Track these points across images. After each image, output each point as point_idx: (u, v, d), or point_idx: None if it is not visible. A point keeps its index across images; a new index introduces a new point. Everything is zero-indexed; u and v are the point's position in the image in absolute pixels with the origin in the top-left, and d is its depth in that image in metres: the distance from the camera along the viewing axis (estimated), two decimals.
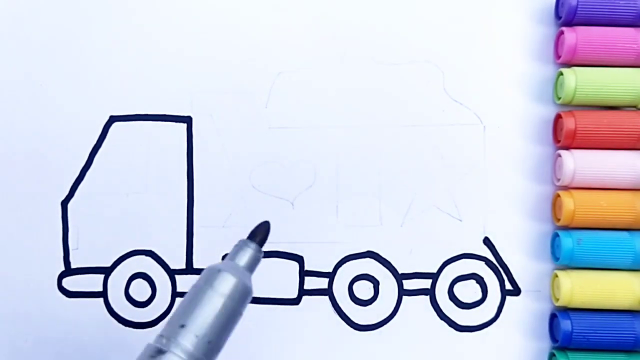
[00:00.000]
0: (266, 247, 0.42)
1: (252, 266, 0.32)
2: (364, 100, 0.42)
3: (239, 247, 0.32)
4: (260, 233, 0.32)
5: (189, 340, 0.29)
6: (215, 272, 0.30)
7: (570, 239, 0.40)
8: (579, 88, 0.40)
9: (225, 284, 0.30)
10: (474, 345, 0.42)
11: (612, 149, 0.40)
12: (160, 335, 0.30)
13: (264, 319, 0.42)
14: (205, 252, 0.42)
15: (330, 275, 0.42)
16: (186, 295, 0.31)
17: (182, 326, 0.29)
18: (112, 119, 0.42)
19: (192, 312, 0.30)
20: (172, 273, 0.42)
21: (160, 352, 0.29)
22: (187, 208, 0.42)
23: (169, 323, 0.30)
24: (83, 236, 0.42)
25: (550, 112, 0.42)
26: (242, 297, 0.31)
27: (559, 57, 0.41)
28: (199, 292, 0.30)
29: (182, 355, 0.29)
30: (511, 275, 0.42)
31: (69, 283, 0.42)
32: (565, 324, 0.40)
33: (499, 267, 0.42)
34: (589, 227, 0.40)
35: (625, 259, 0.40)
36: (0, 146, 0.42)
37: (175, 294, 0.42)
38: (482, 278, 0.42)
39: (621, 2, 0.40)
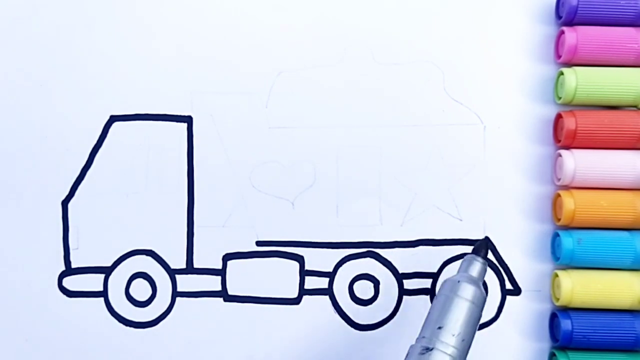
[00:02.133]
0: (266, 247, 0.42)
1: (482, 276, 0.37)
2: (364, 100, 0.42)
3: (469, 261, 0.37)
4: (483, 247, 0.38)
5: (447, 338, 0.34)
6: (456, 283, 0.36)
7: (570, 239, 0.40)
8: (579, 88, 0.40)
9: (468, 292, 0.35)
10: (474, 345, 0.41)
11: (613, 149, 0.40)
12: (422, 337, 0.35)
13: (264, 319, 0.42)
14: (205, 252, 0.42)
15: (331, 275, 0.42)
16: (434, 303, 0.36)
17: (440, 328, 0.35)
18: (112, 119, 0.42)
19: (445, 316, 0.35)
20: (172, 273, 0.42)
21: (428, 349, 0.34)
22: (187, 208, 0.42)
23: (425, 327, 0.35)
24: (83, 236, 0.42)
25: (550, 111, 0.42)
26: (481, 302, 0.36)
27: (559, 56, 0.41)
28: (447, 300, 0.35)
29: (446, 351, 0.34)
30: (511, 275, 0.42)
31: (70, 283, 0.42)
32: (566, 324, 0.40)
33: (499, 267, 0.42)
34: (589, 227, 0.40)
35: (625, 259, 0.40)
36: (1, 146, 0.42)
37: (175, 294, 0.42)
38: None
39: (622, 2, 0.40)
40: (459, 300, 0.35)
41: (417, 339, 0.35)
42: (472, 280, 0.36)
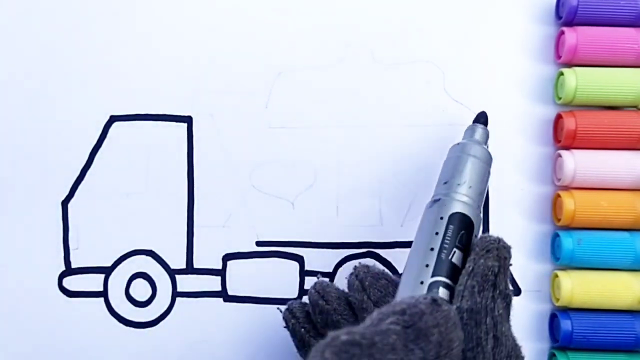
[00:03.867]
0: (266, 248, 0.42)
1: (485, 140, 0.39)
2: (364, 100, 0.42)
3: (472, 128, 0.39)
4: (482, 116, 0.40)
5: (453, 187, 0.36)
6: (462, 145, 0.38)
7: (570, 239, 0.40)
8: (579, 88, 0.40)
9: (474, 150, 0.37)
10: None
11: (613, 149, 0.40)
12: (436, 193, 0.36)
13: (265, 319, 0.42)
14: (205, 252, 0.42)
15: (331, 275, 0.42)
16: (443, 166, 0.38)
17: (446, 182, 0.36)
18: (113, 119, 0.42)
19: (449, 172, 0.37)
20: (172, 273, 0.42)
21: (436, 200, 0.36)
22: (187, 208, 0.42)
23: (436, 187, 0.37)
24: (83, 236, 0.42)
25: (550, 112, 0.42)
26: (488, 160, 0.38)
27: (559, 57, 0.41)
28: (455, 159, 0.37)
29: (454, 197, 0.35)
30: (511, 275, 0.42)
31: (70, 283, 0.42)
32: (566, 324, 0.40)
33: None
34: (589, 227, 0.40)
35: (625, 259, 0.40)
36: (1, 146, 0.42)
37: (175, 294, 0.42)
38: None
39: (622, 2, 0.40)
40: (464, 156, 0.37)
41: (432, 198, 0.36)
42: (477, 142, 0.38)
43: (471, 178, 0.36)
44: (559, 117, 0.41)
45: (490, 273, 0.32)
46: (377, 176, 0.42)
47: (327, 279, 0.38)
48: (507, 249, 0.33)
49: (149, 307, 0.42)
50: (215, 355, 0.42)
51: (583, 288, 0.40)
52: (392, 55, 0.42)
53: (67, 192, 0.42)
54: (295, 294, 0.42)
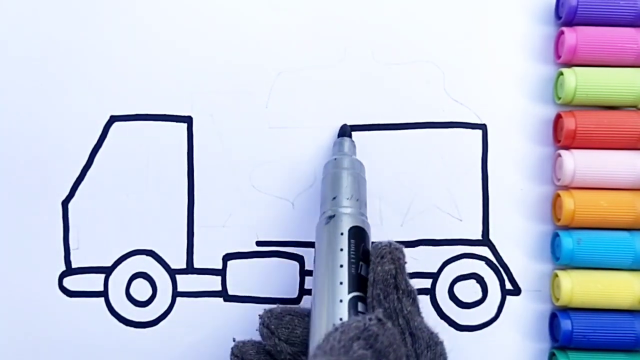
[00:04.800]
0: (266, 247, 0.42)
1: (353, 150, 0.41)
2: (364, 99, 0.42)
3: (339, 142, 0.41)
4: (344, 129, 0.41)
5: (344, 202, 0.37)
6: (333, 160, 0.39)
7: (570, 239, 0.40)
8: (579, 88, 0.40)
9: (346, 163, 0.39)
10: (474, 345, 0.42)
11: (612, 149, 0.40)
12: (322, 212, 0.38)
13: None
14: (206, 252, 0.42)
15: None
16: (322, 184, 0.39)
17: (334, 198, 0.38)
18: (113, 119, 0.42)
19: (334, 188, 0.38)
20: (172, 273, 0.42)
21: (331, 217, 0.37)
22: (187, 208, 0.42)
23: (322, 204, 0.38)
24: (83, 236, 0.42)
25: (550, 112, 0.42)
26: (360, 167, 0.39)
27: (559, 57, 0.41)
28: (334, 175, 0.39)
29: (345, 212, 0.37)
30: (511, 275, 0.42)
31: (70, 283, 0.42)
32: (566, 324, 0.40)
33: (499, 266, 0.42)
34: (589, 227, 0.40)
35: (625, 259, 0.40)
36: (1, 146, 0.42)
37: (175, 294, 0.42)
38: (482, 278, 0.42)
39: (621, 2, 0.40)
40: (341, 171, 0.38)
41: (321, 215, 0.37)
42: (347, 154, 0.40)
43: (354, 190, 0.38)
44: (558, 117, 0.41)
45: (389, 277, 0.34)
46: (377, 176, 0.42)
47: (242, 340, 0.38)
48: (399, 249, 0.35)
49: (149, 307, 0.42)
50: (215, 355, 0.42)
51: (583, 288, 0.40)
52: (392, 55, 0.42)
53: (67, 192, 0.42)
54: (295, 294, 0.42)
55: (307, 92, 0.42)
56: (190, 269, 0.42)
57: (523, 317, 0.42)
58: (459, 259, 0.42)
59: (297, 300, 0.42)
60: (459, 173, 0.42)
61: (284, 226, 0.42)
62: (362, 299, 0.34)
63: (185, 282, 0.42)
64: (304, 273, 0.42)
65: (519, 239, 0.42)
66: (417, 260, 0.42)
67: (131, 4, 0.43)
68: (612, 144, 0.40)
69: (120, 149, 0.42)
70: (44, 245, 0.42)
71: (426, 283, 0.42)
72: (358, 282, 0.34)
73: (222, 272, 0.42)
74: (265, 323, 0.36)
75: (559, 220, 0.41)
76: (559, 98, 0.41)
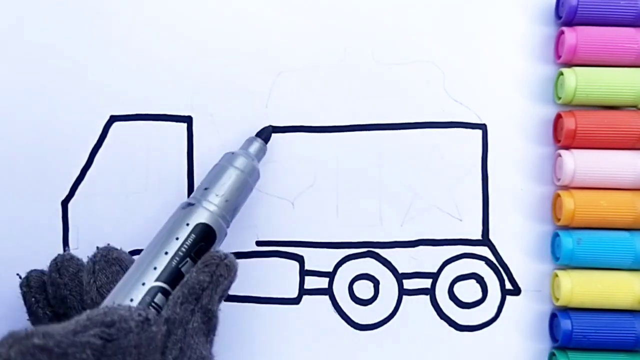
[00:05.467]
0: (266, 247, 0.42)
1: (259, 155, 0.40)
2: (364, 100, 0.42)
3: (249, 141, 0.40)
4: (265, 132, 0.41)
5: (211, 197, 0.37)
6: (232, 155, 0.38)
7: (570, 239, 0.40)
8: (579, 88, 0.40)
9: (240, 162, 0.38)
10: (474, 345, 0.42)
11: (612, 149, 0.40)
12: (190, 197, 0.37)
13: (265, 319, 0.42)
14: None
15: (331, 275, 0.42)
16: (209, 172, 0.38)
17: (206, 189, 0.37)
18: (112, 119, 0.42)
19: (213, 180, 0.37)
20: None
21: (190, 204, 0.36)
22: None
23: (196, 190, 0.38)
24: (83, 236, 0.42)
25: (550, 112, 0.42)
26: (252, 173, 0.38)
27: (559, 57, 0.41)
28: (220, 168, 0.38)
29: (207, 207, 0.36)
30: (511, 275, 0.42)
31: None
32: (566, 324, 0.40)
33: (499, 266, 0.42)
34: (589, 227, 0.40)
35: (625, 259, 0.40)
36: (1, 146, 0.42)
37: None
38: (482, 278, 0.42)
39: (621, 2, 0.40)
40: (230, 168, 0.38)
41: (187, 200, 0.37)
42: (248, 155, 0.39)
43: (230, 191, 0.37)
44: (558, 117, 0.41)
45: (198, 287, 0.34)
46: (377, 176, 0.42)
47: (72, 254, 0.38)
48: (230, 267, 0.35)
49: None
50: (215, 356, 0.42)
51: (583, 288, 0.40)
52: (392, 55, 0.42)
53: (67, 192, 0.42)
54: (295, 294, 0.42)
55: (307, 92, 0.42)
56: None
57: (523, 317, 0.42)
58: (459, 259, 0.42)
59: (297, 300, 0.42)
60: (459, 173, 0.42)
61: (284, 226, 0.42)
62: (166, 293, 0.34)
63: None
64: (303, 273, 0.42)
65: (519, 239, 0.42)
66: (417, 260, 0.42)
67: (131, 4, 0.42)
68: (612, 144, 0.40)
69: (120, 149, 0.42)
70: (43, 245, 0.42)
71: (426, 283, 0.42)
72: (173, 276, 0.34)
73: None
74: (95, 259, 0.36)
75: (559, 220, 0.41)
76: (559, 98, 0.41)
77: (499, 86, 0.42)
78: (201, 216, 0.36)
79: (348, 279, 0.42)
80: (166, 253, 0.35)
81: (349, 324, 0.42)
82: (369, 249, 0.42)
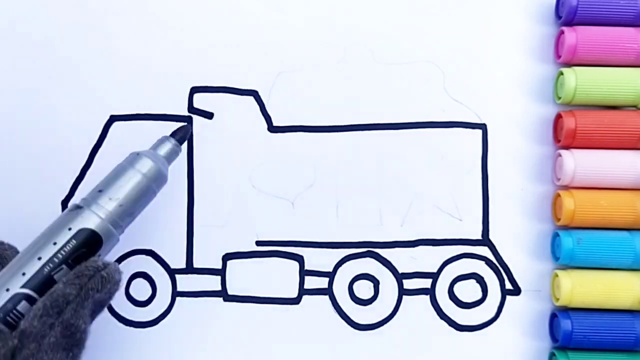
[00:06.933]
0: (266, 247, 0.42)
1: (170, 157, 0.37)
2: (364, 99, 0.42)
3: (161, 140, 0.37)
4: (181, 132, 0.38)
5: (104, 201, 0.34)
6: (136, 155, 0.35)
7: (570, 239, 0.40)
8: (579, 88, 0.40)
9: (144, 165, 0.35)
10: (474, 345, 0.42)
11: (613, 149, 0.40)
12: (82, 199, 0.35)
13: (264, 319, 0.42)
14: (205, 252, 0.42)
15: (331, 275, 0.42)
16: (115, 168, 0.36)
17: (100, 191, 0.34)
18: (113, 119, 0.42)
19: (110, 182, 0.35)
20: (172, 272, 0.42)
21: (78, 207, 0.34)
22: (187, 208, 0.42)
23: (90, 191, 0.35)
24: None
25: (550, 111, 0.42)
26: (157, 178, 0.35)
27: (559, 56, 0.41)
28: (120, 169, 0.35)
29: (97, 211, 0.34)
30: (511, 274, 0.42)
31: None
32: (566, 324, 0.40)
33: (499, 266, 0.42)
34: (589, 226, 0.40)
35: (625, 259, 0.40)
36: (1, 146, 0.42)
37: (175, 294, 0.42)
38: (482, 278, 0.42)
39: (621, 2, 0.40)
40: (131, 170, 0.35)
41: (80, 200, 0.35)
42: (156, 157, 0.36)
43: (127, 197, 0.34)
44: (558, 117, 0.41)
45: (62, 300, 0.31)
46: (377, 176, 0.42)
47: None
48: (105, 278, 0.32)
49: (149, 306, 0.42)
50: (215, 355, 0.42)
51: (583, 288, 0.40)
52: (392, 55, 0.42)
53: (67, 192, 0.42)
54: (295, 294, 0.42)
55: (307, 92, 0.42)
56: (190, 269, 0.42)
57: (523, 317, 0.42)
58: (459, 258, 0.42)
59: (296, 300, 0.42)
60: (459, 173, 0.42)
61: (284, 226, 0.42)
62: (32, 301, 0.32)
63: (185, 282, 0.42)
64: (303, 273, 0.42)
65: (519, 239, 0.42)
66: (417, 260, 0.42)
67: (131, 4, 0.43)
68: (612, 144, 0.40)
69: (120, 149, 0.42)
70: None
71: (426, 283, 0.42)
72: (43, 284, 0.32)
73: (221, 272, 0.42)
74: None
75: (559, 220, 0.41)
76: (559, 98, 0.41)
77: (499, 86, 0.42)
78: (87, 221, 0.33)
79: (348, 279, 0.42)
80: (39, 258, 0.32)
81: (349, 324, 0.42)
82: (369, 249, 0.42)
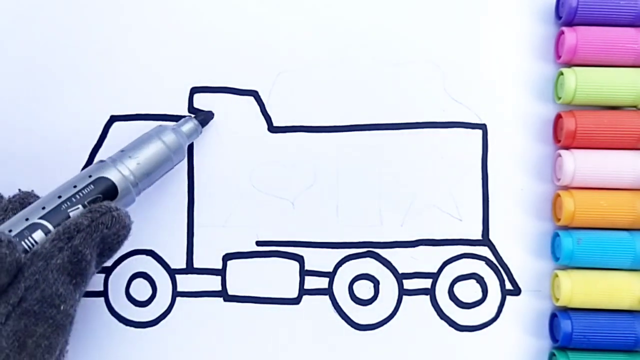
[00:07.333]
0: (266, 247, 0.42)
1: (191, 135, 0.41)
2: (364, 100, 0.42)
3: (185, 120, 0.41)
4: (204, 114, 0.41)
5: (124, 159, 0.37)
6: (161, 127, 0.39)
7: (570, 239, 0.40)
8: (579, 88, 0.40)
9: (167, 136, 0.39)
10: (474, 345, 0.42)
11: (613, 149, 0.40)
12: (109, 157, 0.38)
13: (264, 319, 0.42)
14: (205, 252, 0.42)
15: (331, 275, 0.42)
16: (140, 136, 0.39)
17: (123, 151, 0.38)
18: (113, 119, 0.42)
19: (134, 146, 0.38)
20: (172, 272, 0.42)
21: (102, 161, 0.37)
22: (187, 208, 0.42)
23: (116, 153, 0.38)
24: None
25: (550, 112, 0.42)
26: (177, 150, 0.39)
27: (559, 57, 0.41)
28: (146, 137, 0.39)
29: (116, 166, 0.37)
30: (511, 275, 0.42)
31: None
32: (566, 324, 0.40)
33: (499, 266, 0.42)
34: (589, 227, 0.40)
35: (625, 259, 0.40)
36: (1, 146, 0.42)
37: (175, 294, 0.42)
38: (482, 278, 0.42)
39: (621, 2, 0.40)
40: (155, 138, 0.38)
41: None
42: (178, 132, 0.39)
43: (145, 158, 0.38)
44: (558, 117, 0.41)
45: (73, 228, 0.34)
46: (377, 176, 0.42)
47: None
48: (116, 218, 0.35)
49: (149, 306, 0.42)
50: (215, 355, 0.42)
51: (583, 288, 0.40)
52: (392, 55, 0.42)
53: None
54: (295, 294, 0.42)
55: (307, 92, 0.42)
56: (190, 269, 0.42)
57: (523, 317, 0.42)
58: (459, 259, 0.42)
59: (297, 300, 0.42)
60: (459, 173, 0.42)
61: (284, 226, 0.42)
62: (48, 232, 0.34)
63: (185, 282, 0.42)
64: (303, 273, 0.42)
65: (519, 239, 0.42)
66: (417, 260, 0.42)
67: (131, 4, 0.43)
68: (612, 144, 0.40)
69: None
70: None
71: (426, 283, 0.42)
72: (59, 218, 0.35)
73: (222, 272, 0.42)
74: None
75: (559, 220, 0.41)
76: (559, 98, 0.41)
77: (499, 86, 0.42)
78: (107, 172, 0.36)
79: (348, 279, 0.42)
80: (59, 197, 0.35)
81: (349, 324, 0.42)
82: (369, 249, 0.42)
